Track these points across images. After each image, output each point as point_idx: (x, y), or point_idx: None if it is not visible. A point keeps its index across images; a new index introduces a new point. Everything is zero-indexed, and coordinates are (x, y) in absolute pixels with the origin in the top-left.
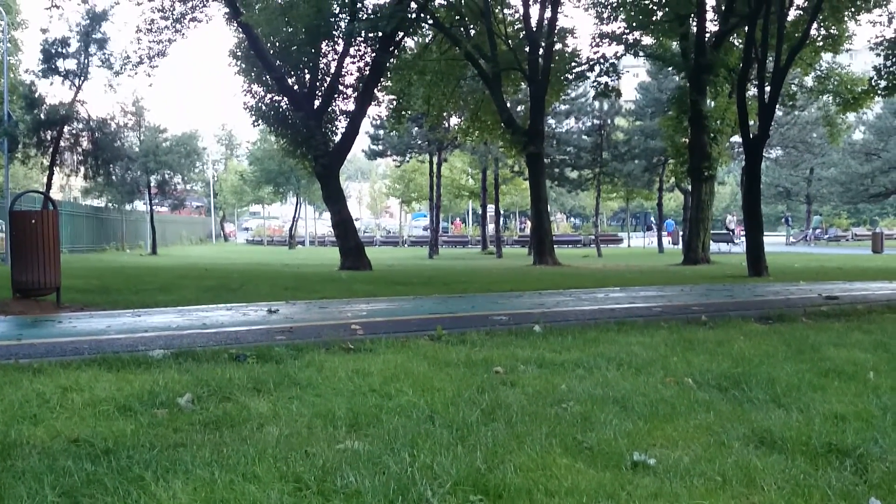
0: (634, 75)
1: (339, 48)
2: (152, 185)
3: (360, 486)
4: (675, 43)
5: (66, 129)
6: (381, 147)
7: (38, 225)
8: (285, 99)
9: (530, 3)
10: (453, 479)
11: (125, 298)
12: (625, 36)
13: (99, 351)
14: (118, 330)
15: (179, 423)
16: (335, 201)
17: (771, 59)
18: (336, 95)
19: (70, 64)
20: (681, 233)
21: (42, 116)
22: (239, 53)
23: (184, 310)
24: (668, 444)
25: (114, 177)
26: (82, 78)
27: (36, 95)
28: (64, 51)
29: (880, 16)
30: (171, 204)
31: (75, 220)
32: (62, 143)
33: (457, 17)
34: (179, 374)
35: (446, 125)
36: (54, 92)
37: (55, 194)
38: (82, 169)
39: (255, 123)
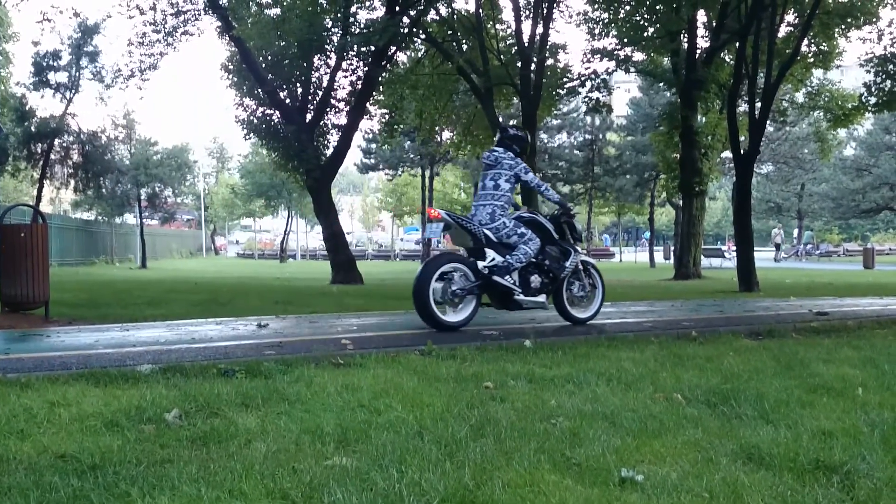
0: (626, 91)
1: (332, 62)
2: (142, 198)
3: (348, 503)
4: (666, 59)
5: (56, 141)
6: (373, 161)
7: (27, 238)
8: (277, 112)
9: (522, 18)
10: (441, 496)
11: (114, 312)
12: (616, 52)
13: (87, 366)
14: (106, 344)
15: (166, 438)
16: (327, 215)
17: (761, 75)
18: (328, 109)
19: (61, 77)
20: (672, 248)
21: (32, 129)
22: (231, 67)
23: (173, 324)
24: (656, 460)
25: (104, 190)
26: (73, 91)
27: (27, 108)
28: (55, 64)
29: (870, 33)
30: (162, 217)
31: (65, 234)
32: (52, 156)
33: (449, 32)
34: (167, 389)
35: (438, 139)
36: (45, 105)
37: (45, 207)
38: (72, 182)
39: (247, 137)
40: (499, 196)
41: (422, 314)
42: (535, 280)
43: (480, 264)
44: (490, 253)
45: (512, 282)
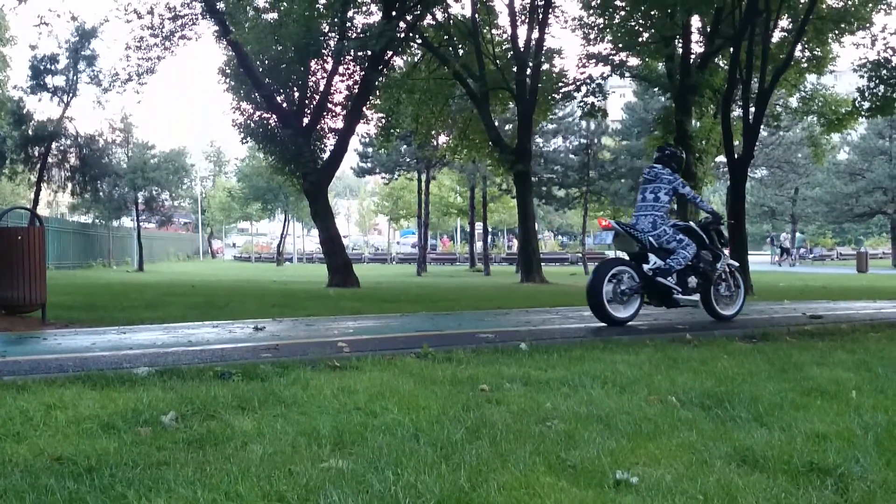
0: (621, 95)
1: (328, 66)
2: (140, 201)
3: None
4: (660, 64)
5: (53, 145)
6: (369, 164)
7: (24, 241)
8: (274, 116)
9: (518, 23)
10: (437, 498)
11: (111, 315)
12: (611, 57)
13: (83, 368)
14: (103, 347)
15: (163, 441)
16: (323, 218)
17: (755, 80)
18: (325, 113)
19: (59, 80)
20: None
21: (30, 132)
22: (228, 71)
23: (169, 327)
24: (650, 462)
25: (101, 193)
26: (71, 94)
27: (24, 111)
28: (53, 67)
29: (863, 38)
30: (159, 220)
31: (62, 237)
32: (50, 160)
33: (445, 37)
34: (164, 392)
35: (435, 143)
36: (42, 108)
37: (42, 210)
38: (70, 185)
39: (244, 140)
40: (659, 207)
41: (594, 310)
42: (692, 281)
43: (645, 267)
44: (652, 257)
45: (673, 282)
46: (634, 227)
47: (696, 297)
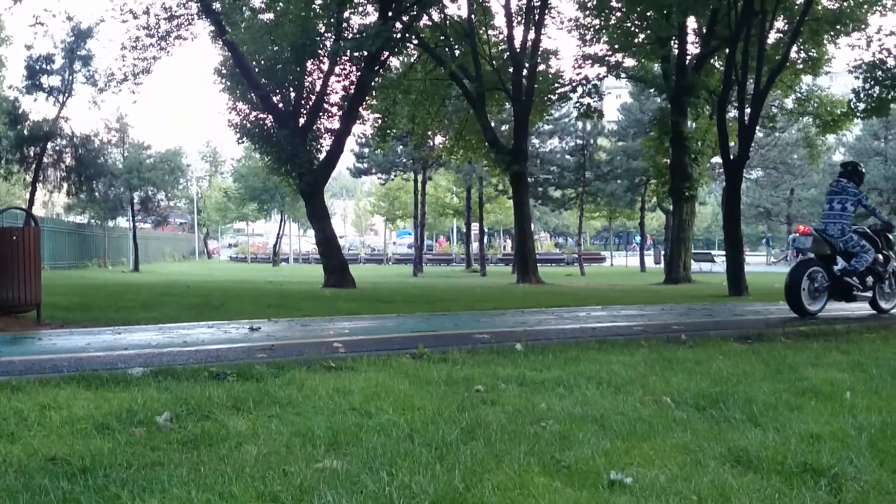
0: (617, 97)
1: (325, 67)
2: (135, 201)
3: None
4: (656, 65)
5: (49, 145)
6: (365, 165)
7: (19, 241)
8: (270, 117)
9: (514, 24)
10: (431, 499)
11: (106, 315)
12: (607, 58)
13: (78, 368)
14: (98, 347)
15: (157, 441)
16: (319, 219)
17: (751, 81)
18: (321, 114)
19: (54, 80)
20: (662, 253)
21: (25, 132)
22: (224, 71)
23: (165, 327)
24: (645, 463)
25: (97, 193)
26: (66, 94)
27: (19, 111)
28: (48, 67)
29: (859, 39)
30: (154, 220)
31: (57, 237)
32: (45, 160)
33: (442, 38)
34: (159, 392)
35: (431, 144)
36: (38, 108)
37: (38, 210)
38: (65, 185)
39: (240, 141)
40: (846, 216)
41: (791, 304)
42: (869, 280)
43: (835, 268)
44: (840, 259)
45: (857, 282)
46: (824, 232)
47: (870, 293)
